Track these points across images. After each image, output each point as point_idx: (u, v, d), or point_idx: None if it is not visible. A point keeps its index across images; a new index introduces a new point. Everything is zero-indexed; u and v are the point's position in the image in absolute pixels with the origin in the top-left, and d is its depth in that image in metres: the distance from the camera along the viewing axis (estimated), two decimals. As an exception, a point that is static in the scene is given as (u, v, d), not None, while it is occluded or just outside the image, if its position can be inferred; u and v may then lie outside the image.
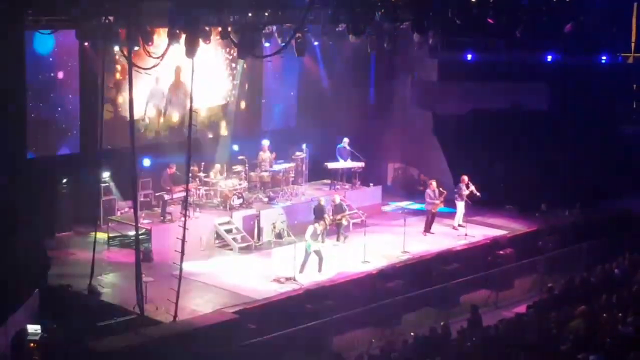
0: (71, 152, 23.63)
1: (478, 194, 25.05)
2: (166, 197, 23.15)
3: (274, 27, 22.81)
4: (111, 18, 19.38)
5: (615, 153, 29.38)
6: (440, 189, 24.97)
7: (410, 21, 22.77)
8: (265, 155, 25.58)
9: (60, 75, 23.10)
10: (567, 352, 15.01)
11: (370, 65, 27.92)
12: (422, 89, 29.79)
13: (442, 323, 17.98)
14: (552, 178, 27.85)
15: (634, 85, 31.26)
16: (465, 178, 25.19)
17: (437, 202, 24.70)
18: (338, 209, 23.88)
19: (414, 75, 29.73)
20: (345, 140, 26.93)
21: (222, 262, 22.28)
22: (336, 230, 23.83)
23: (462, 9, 23.20)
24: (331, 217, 23.33)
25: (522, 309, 19.44)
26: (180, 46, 19.33)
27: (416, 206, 27.27)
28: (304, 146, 27.13)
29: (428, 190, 24.86)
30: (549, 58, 29.29)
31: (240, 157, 25.52)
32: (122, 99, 23.42)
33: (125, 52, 19.62)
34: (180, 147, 23.21)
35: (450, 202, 25.40)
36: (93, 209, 22.17)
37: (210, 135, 26.13)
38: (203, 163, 24.42)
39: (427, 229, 24.88)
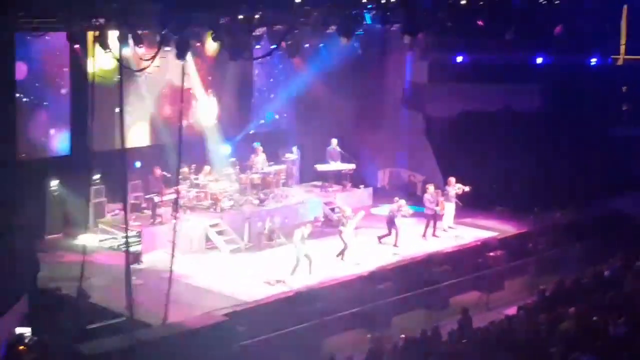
0: (61, 154, 23.57)
1: (466, 188, 24.99)
2: (156, 199, 23.14)
3: (264, 29, 22.78)
4: (102, 20, 19.36)
5: (605, 154, 29.44)
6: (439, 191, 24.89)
7: (400, 23, 22.77)
8: (259, 157, 25.56)
9: (51, 77, 23.06)
10: (558, 354, 15.00)
11: (360, 66, 27.90)
12: (412, 91, 29.80)
13: (432, 325, 17.97)
14: (543, 179, 27.89)
15: (624, 87, 31.32)
16: (452, 180, 25.17)
17: (437, 208, 24.64)
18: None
19: (405, 77, 29.72)
20: (334, 141, 26.94)
21: (212, 264, 22.25)
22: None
23: (452, 11, 23.21)
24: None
25: (512, 310, 19.43)
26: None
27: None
28: (294, 148, 27.14)
29: (427, 195, 24.75)
30: (540, 60, 29.31)
31: (231, 160, 25.51)
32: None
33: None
34: (171, 148, 23.27)
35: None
36: (83, 211, 22.12)
37: (201, 137, 26.07)
38: (194, 165, 24.41)
39: (425, 233, 24.64)
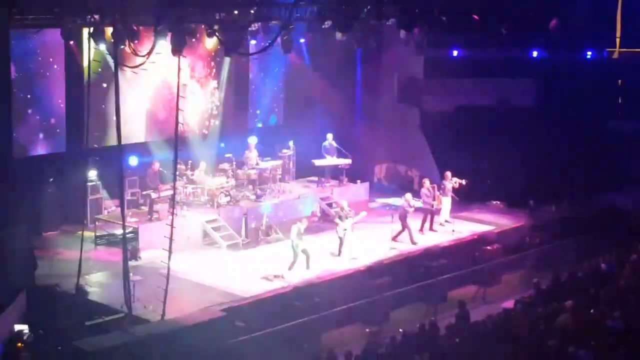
0: (57, 151, 23.55)
1: (463, 181, 25.01)
2: (153, 195, 23.13)
3: (260, 25, 22.78)
4: (97, 16, 19.33)
5: (601, 148, 29.47)
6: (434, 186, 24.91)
7: (396, 18, 22.79)
8: (252, 154, 25.56)
9: (46, 74, 23.00)
10: (555, 347, 15.04)
11: (356, 61, 27.89)
12: (408, 86, 29.79)
13: (430, 319, 17.99)
14: (539, 173, 27.92)
15: (620, 81, 31.33)
16: (449, 174, 25.19)
17: (434, 202, 24.64)
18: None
19: (401, 71, 29.72)
20: (330, 136, 26.94)
21: (209, 260, 22.24)
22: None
23: (447, 6, 23.26)
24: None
25: (509, 304, 19.47)
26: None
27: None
28: (291, 143, 27.14)
29: (423, 190, 24.75)
30: (535, 54, 29.37)
31: (227, 155, 25.51)
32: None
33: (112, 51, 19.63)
34: (167, 145, 23.27)
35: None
36: (80, 208, 22.11)
37: (197, 133, 26.05)
38: (190, 161, 24.40)
39: (423, 227, 24.59)
